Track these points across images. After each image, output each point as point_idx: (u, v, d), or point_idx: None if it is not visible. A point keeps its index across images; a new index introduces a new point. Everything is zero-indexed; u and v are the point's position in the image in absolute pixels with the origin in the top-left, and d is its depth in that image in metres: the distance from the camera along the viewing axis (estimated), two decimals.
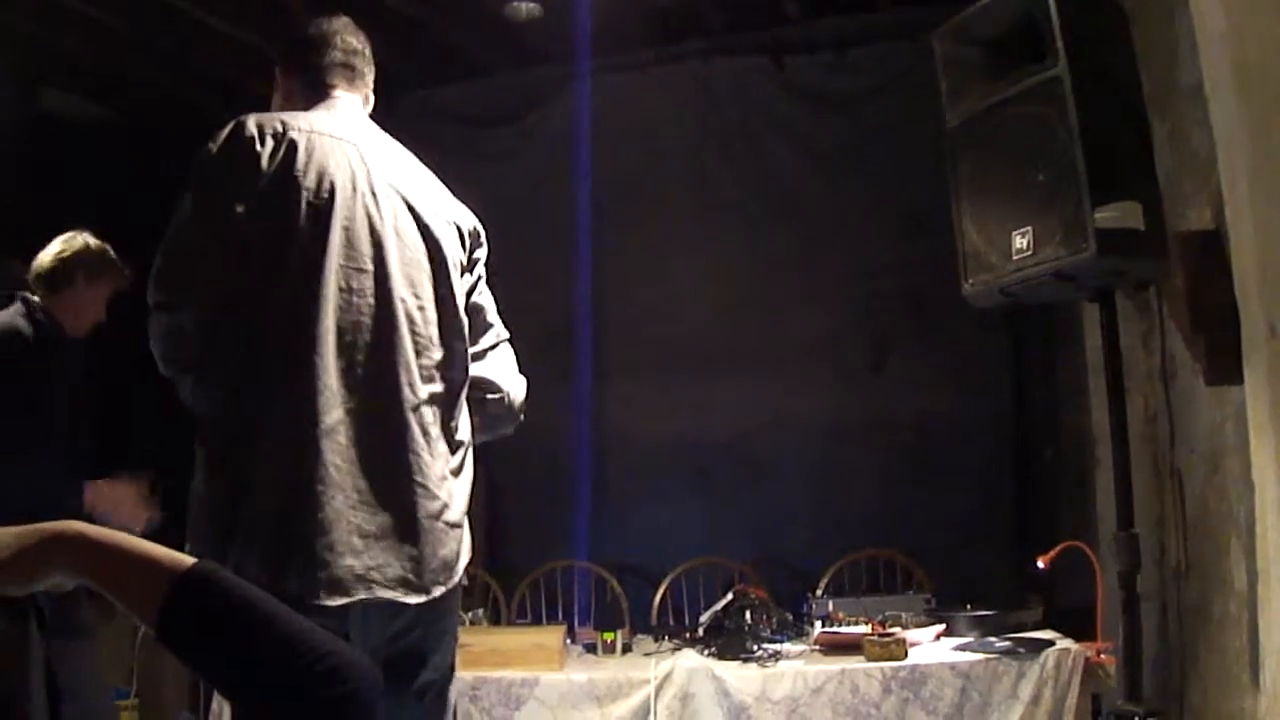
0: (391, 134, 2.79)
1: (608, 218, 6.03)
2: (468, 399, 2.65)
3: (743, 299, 5.86)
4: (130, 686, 5.12)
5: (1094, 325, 3.91)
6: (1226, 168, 2.88)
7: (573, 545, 5.57)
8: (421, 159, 2.82)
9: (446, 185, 2.82)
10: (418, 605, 2.33)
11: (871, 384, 5.72)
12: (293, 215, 2.38)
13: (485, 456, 5.71)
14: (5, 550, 1.27)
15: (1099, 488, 4.42)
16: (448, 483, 2.47)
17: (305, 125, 2.49)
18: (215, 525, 2.25)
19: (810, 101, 5.91)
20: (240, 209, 2.35)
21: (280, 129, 2.44)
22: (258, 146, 2.41)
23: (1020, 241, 3.40)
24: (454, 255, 2.64)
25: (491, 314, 2.79)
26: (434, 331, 2.51)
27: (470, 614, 4.46)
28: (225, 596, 1.26)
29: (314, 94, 2.70)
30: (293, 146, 2.43)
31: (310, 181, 2.42)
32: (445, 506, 2.44)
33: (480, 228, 2.81)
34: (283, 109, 2.67)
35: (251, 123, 2.44)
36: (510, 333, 2.89)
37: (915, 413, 5.59)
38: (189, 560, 1.27)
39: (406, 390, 2.42)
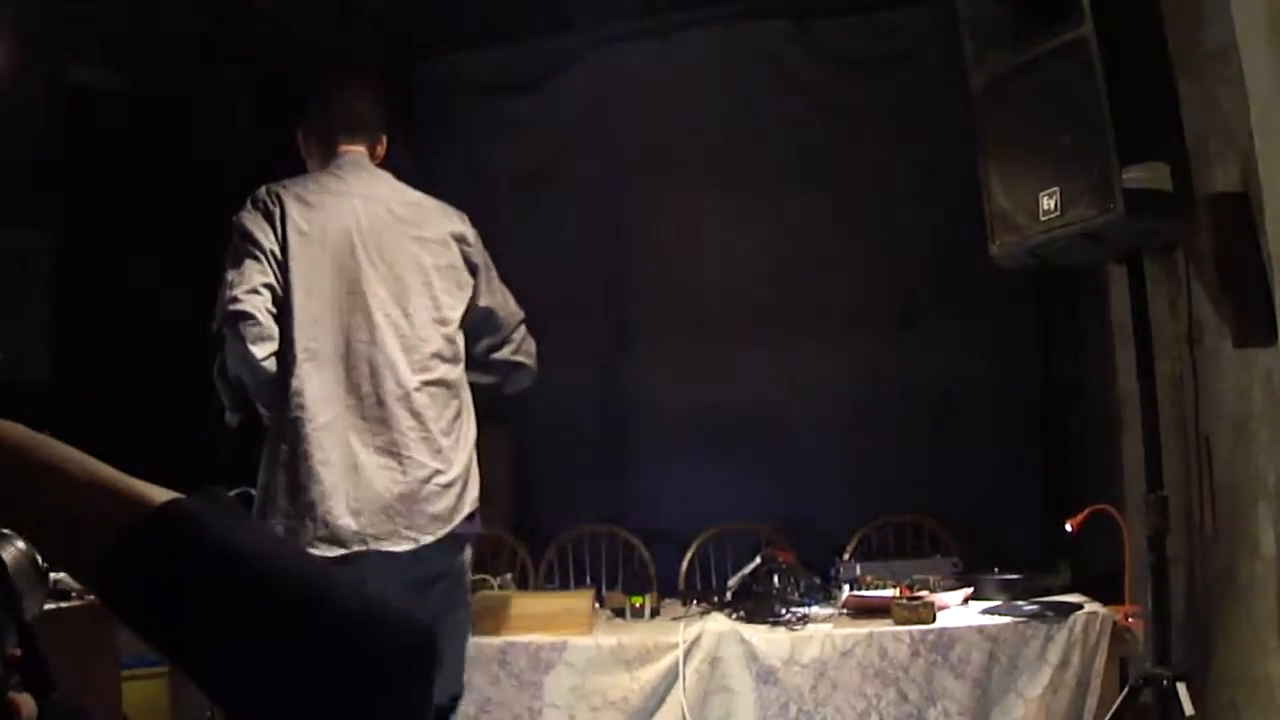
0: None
1: (631, 184, 6.02)
2: (507, 371, 3.53)
3: (768, 264, 5.84)
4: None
5: (1120, 288, 3.89)
6: (1259, 122, 2.86)
7: (600, 511, 5.59)
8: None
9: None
10: (413, 550, 3.10)
11: (898, 348, 5.70)
12: (299, 257, 3.14)
13: (513, 424, 5.76)
14: None
15: (1126, 451, 4.41)
16: (443, 452, 3.21)
17: (302, 187, 3.27)
18: (261, 504, 3.06)
19: (835, 65, 5.87)
20: (273, 251, 3.13)
21: (280, 194, 3.21)
22: (270, 206, 3.18)
23: (1048, 203, 3.39)
24: (443, 265, 3.36)
25: (503, 309, 3.50)
26: (424, 332, 3.25)
27: (498, 578, 4.49)
28: (213, 538, 0.91)
29: (325, 151, 3.45)
30: (294, 205, 3.19)
31: (309, 229, 3.17)
32: (438, 471, 3.18)
33: (468, 231, 3.47)
34: (309, 166, 3.47)
35: (263, 191, 3.22)
36: (534, 300, 3.61)
37: (942, 376, 5.57)
38: (164, 493, 0.91)
39: (393, 384, 3.16)
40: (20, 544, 0.95)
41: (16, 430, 0.92)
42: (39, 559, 0.96)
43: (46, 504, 0.90)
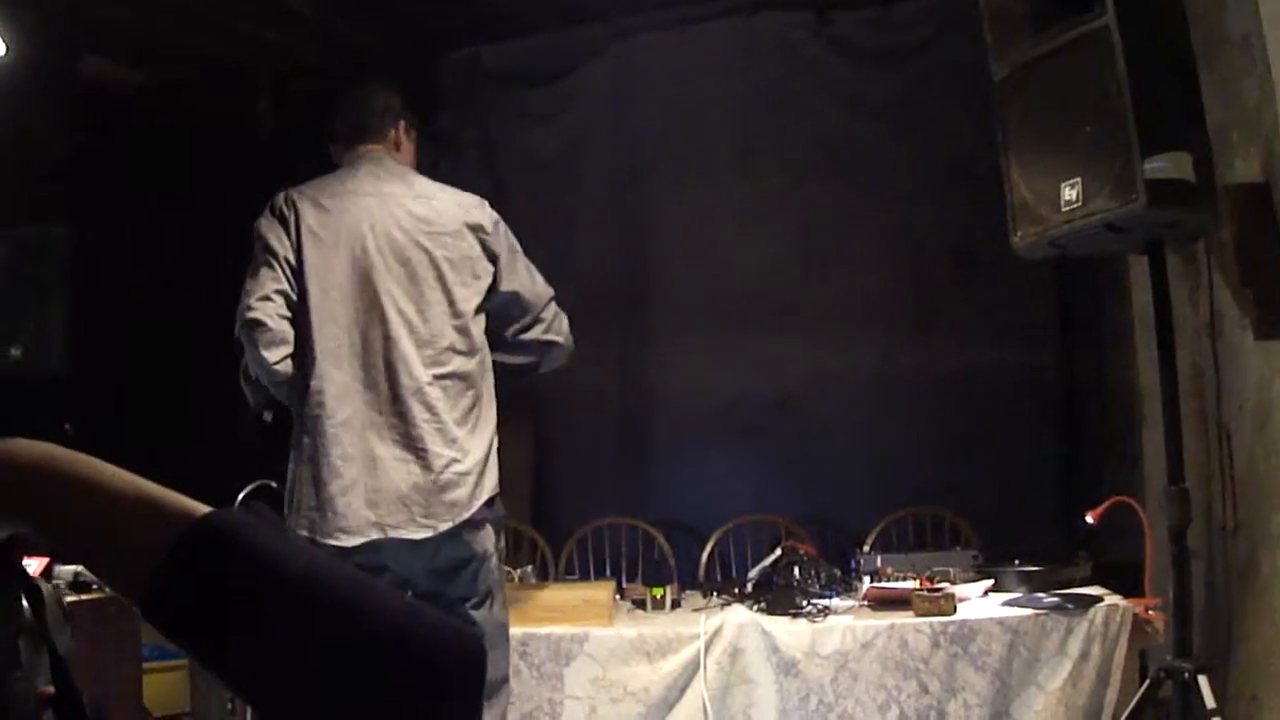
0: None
1: (650, 176, 6.03)
2: (540, 350, 3.57)
3: (787, 256, 5.84)
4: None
5: (1141, 279, 3.87)
6: None
7: (620, 502, 5.60)
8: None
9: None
10: (434, 537, 3.22)
11: (918, 340, 5.69)
12: (314, 260, 3.28)
13: (532, 416, 5.76)
14: None
15: (1146, 443, 4.40)
16: (458, 441, 3.29)
17: (317, 190, 3.39)
18: (289, 496, 3.25)
19: (854, 57, 5.86)
20: (287, 257, 3.27)
21: (296, 199, 3.34)
22: (285, 212, 3.32)
23: (1069, 193, 3.37)
24: (456, 257, 3.40)
25: (530, 291, 3.52)
26: (437, 327, 3.32)
27: (519, 570, 4.50)
28: (255, 554, 0.87)
29: (348, 152, 3.54)
30: (309, 209, 3.32)
31: (323, 232, 3.30)
32: (454, 460, 3.27)
33: (485, 219, 3.48)
34: (336, 166, 3.53)
35: (280, 197, 3.36)
36: (554, 290, 3.60)
37: (961, 368, 5.55)
38: (203, 507, 0.89)
39: (407, 379, 3.26)
40: (49, 585, 0.94)
41: (59, 452, 0.89)
42: (63, 600, 0.96)
43: (97, 525, 0.87)
